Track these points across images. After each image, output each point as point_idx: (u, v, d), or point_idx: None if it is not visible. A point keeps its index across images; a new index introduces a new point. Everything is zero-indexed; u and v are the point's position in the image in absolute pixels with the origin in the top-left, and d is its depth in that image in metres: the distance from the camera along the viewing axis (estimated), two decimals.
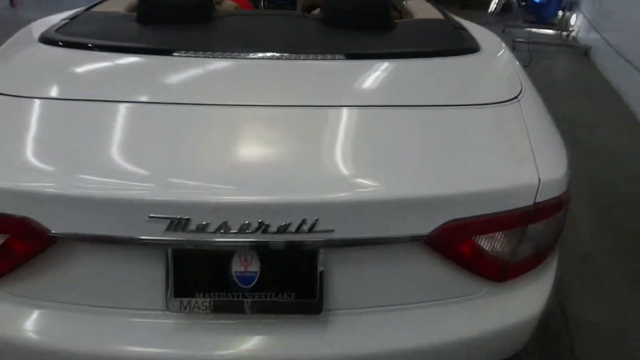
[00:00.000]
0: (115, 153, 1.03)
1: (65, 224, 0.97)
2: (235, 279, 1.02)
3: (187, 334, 1.04)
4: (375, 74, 1.33)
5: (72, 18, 1.62)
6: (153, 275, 1.02)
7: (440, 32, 1.66)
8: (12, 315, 1.06)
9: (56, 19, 1.65)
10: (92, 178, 0.98)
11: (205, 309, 1.03)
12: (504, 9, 6.13)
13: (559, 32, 5.80)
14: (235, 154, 1.04)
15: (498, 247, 1.08)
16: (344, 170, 1.02)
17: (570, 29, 5.74)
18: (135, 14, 1.61)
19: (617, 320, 1.97)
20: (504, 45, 1.68)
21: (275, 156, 1.04)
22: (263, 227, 0.94)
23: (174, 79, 1.29)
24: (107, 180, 0.97)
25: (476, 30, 1.72)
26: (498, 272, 1.10)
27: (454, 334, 1.09)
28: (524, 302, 1.17)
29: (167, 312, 1.03)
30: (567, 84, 4.45)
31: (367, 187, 0.99)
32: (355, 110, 1.16)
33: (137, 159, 1.02)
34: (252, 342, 1.05)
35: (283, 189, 0.97)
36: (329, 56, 1.36)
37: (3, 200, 0.96)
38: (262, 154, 1.04)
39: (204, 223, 0.94)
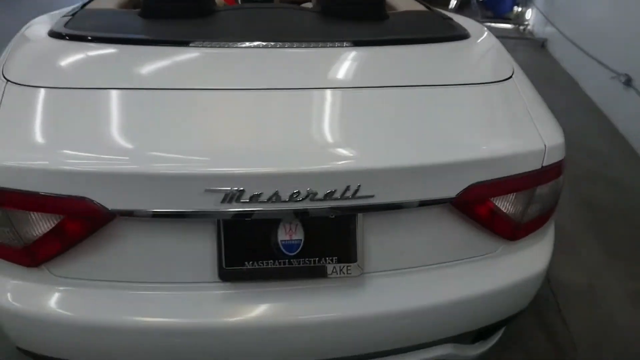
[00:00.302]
0: (166, 132, 1.08)
1: (122, 202, 1.01)
2: (281, 246, 1.09)
3: (238, 302, 1.11)
4: (386, 59, 1.43)
5: (73, 14, 1.63)
6: (204, 247, 1.08)
7: (431, 21, 1.78)
8: (63, 297, 1.10)
9: (56, 15, 1.66)
10: (149, 155, 1.03)
11: (254, 277, 1.10)
12: (462, 5, 6.39)
13: (516, 26, 6.12)
14: (283, 129, 1.12)
15: (512, 208, 1.20)
16: (382, 140, 1.12)
17: (526, 22, 6.07)
18: (133, 9, 1.64)
19: (592, 281, 2.17)
20: (488, 31, 1.82)
21: (319, 129, 1.13)
22: (311, 195, 1.02)
23: (204, 66, 1.34)
24: (163, 156, 1.03)
25: (461, 19, 1.86)
26: (512, 232, 1.23)
27: (476, 290, 1.21)
28: (532, 258, 1.30)
29: (219, 283, 1.10)
30: (528, 74, 4.68)
31: (404, 154, 1.09)
32: (381, 90, 1.26)
33: (189, 136, 1.08)
34: (298, 307, 1.12)
35: (330, 158, 1.05)
36: (337, 44, 1.44)
37: (59, 182, 1.00)
38: (308, 128, 1.13)
39: (257, 193, 1.01)
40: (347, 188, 1.03)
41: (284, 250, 1.10)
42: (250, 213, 1.03)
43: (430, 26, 1.73)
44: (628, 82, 3.44)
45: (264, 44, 1.39)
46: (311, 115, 1.16)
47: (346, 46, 1.44)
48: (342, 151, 1.08)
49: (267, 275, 1.10)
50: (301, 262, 1.10)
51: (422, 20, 1.81)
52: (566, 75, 4.61)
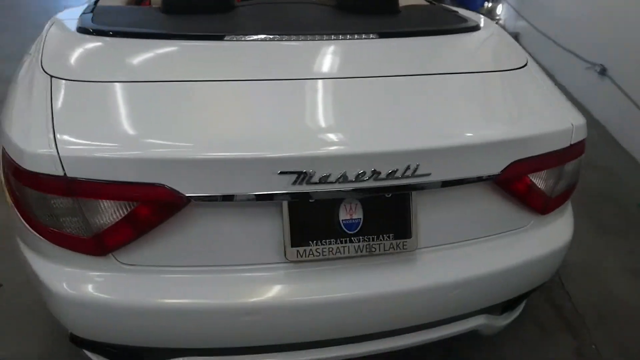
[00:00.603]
0: (237, 118, 1.13)
1: (197, 187, 1.04)
2: (343, 225, 1.15)
3: (304, 280, 1.16)
4: (415, 49, 1.52)
5: (92, 11, 1.64)
6: (270, 229, 1.13)
7: (442, 15, 1.87)
8: (132, 284, 1.12)
9: (76, 12, 1.67)
10: (223, 141, 1.07)
11: (318, 256, 1.15)
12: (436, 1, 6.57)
13: None
14: (346, 113, 1.19)
15: (544, 183, 1.30)
16: (436, 121, 1.20)
17: (497, 17, 6.29)
18: (151, 6, 1.66)
19: (590, 257, 2.32)
20: (493, 23, 1.93)
21: (381, 113, 1.20)
22: (375, 175, 1.09)
23: (255, 58, 1.38)
24: (237, 141, 1.07)
25: (464, 12, 1.96)
26: (543, 206, 1.33)
27: (514, 261, 1.30)
28: (559, 231, 1.41)
29: (285, 263, 1.14)
30: None
31: (458, 134, 1.17)
32: (424, 78, 1.34)
33: (259, 122, 1.12)
34: (361, 282, 1.18)
35: (393, 139, 1.12)
36: (364, 35, 1.51)
37: (135, 170, 1.02)
38: (370, 112, 1.19)
39: (326, 174, 1.06)
40: (408, 167, 1.10)
41: (345, 229, 1.16)
42: (319, 193, 1.09)
43: (443, 19, 1.82)
44: (603, 71, 3.65)
45: (298, 36, 1.45)
46: (373, 100, 1.23)
47: (376, 38, 1.51)
48: (404, 132, 1.15)
49: (330, 253, 1.15)
50: (361, 240, 1.17)
51: (433, 14, 1.91)
52: (541, 68, 4.83)
